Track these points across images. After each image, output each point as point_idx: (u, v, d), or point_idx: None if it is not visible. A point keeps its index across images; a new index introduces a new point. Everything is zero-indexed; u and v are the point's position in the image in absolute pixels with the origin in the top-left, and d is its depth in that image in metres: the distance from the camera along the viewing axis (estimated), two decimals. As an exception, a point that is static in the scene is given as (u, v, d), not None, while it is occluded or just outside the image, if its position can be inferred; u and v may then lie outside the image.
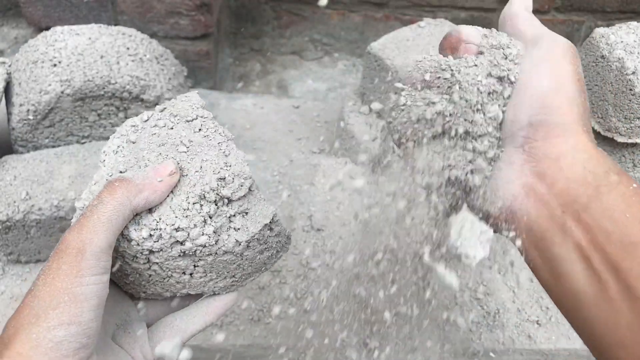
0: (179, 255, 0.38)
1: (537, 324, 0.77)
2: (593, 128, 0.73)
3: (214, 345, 0.71)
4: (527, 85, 0.37)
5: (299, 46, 1.30)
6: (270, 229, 0.41)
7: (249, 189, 0.39)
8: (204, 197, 0.38)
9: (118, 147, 0.41)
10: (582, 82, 0.38)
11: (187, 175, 0.38)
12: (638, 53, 0.68)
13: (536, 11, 1.22)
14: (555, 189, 0.35)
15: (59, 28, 0.77)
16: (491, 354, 0.76)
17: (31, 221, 0.70)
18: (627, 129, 0.70)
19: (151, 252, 0.38)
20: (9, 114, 0.77)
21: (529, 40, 0.40)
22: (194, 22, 1.02)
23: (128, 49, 0.76)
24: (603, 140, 0.74)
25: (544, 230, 0.36)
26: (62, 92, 0.71)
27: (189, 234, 0.37)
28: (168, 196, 0.38)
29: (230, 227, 0.39)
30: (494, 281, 0.81)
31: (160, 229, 0.37)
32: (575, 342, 0.75)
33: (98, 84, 0.72)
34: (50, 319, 0.33)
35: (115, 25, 0.81)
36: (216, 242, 0.38)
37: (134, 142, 0.41)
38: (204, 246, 0.38)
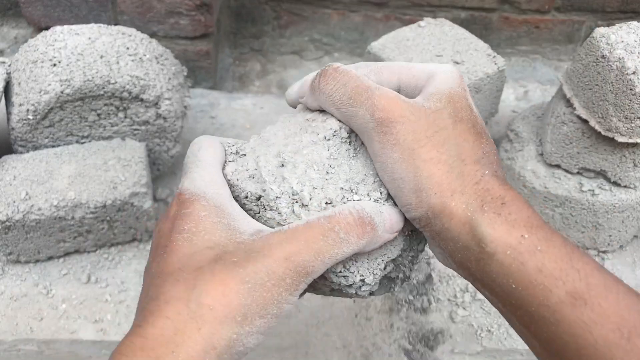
0: (335, 290, 0.39)
1: (538, 324, 0.77)
2: (594, 128, 0.73)
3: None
4: (395, 191, 0.37)
5: (299, 46, 1.30)
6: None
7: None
8: (392, 262, 0.39)
9: (330, 155, 0.39)
10: (410, 142, 0.35)
11: None
12: (638, 53, 0.68)
13: (536, 11, 1.22)
14: (457, 261, 0.36)
15: (58, 28, 0.77)
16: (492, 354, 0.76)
17: (31, 221, 0.70)
18: (628, 128, 0.70)
19: (332, 290, 0.39)
20: (8, 113, 0.77)
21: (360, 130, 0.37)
22: (194, 22, 1.01)
23: (128, 48, 0.76)
24: (603, 140, 0.74)
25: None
26: (61, 92, 0.71)
27: (361, 287, 0.38)
28: None
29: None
30: (494, 281, 0.81)
31: (351, 273, 0.37)
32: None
33: (98, 83, 0.72)
34: (254, 326, 0.32)
35: (115, 25, 0.81)
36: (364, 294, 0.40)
37: (335, 158, 0.39)
38: (357, 295, 0.39)
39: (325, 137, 0.39)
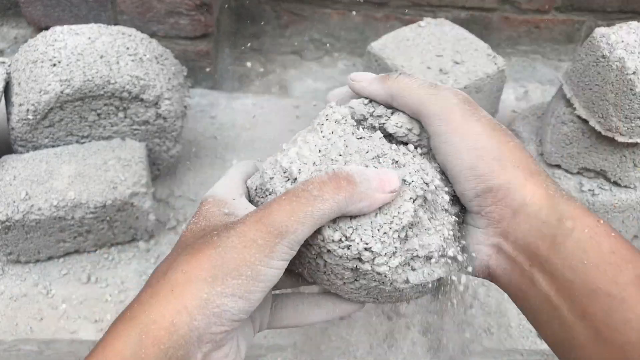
0: (351, 269, 0.37)
1: (538, 324, 0.77)
2: (594, 128, 0.73)
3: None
4: (453, 162, 0.38)
5: (299, 46, 1.30)
6: (439, 283, 0.40)
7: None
8: (407, 229, 0.37)
9: (332, 132, 0.39)
10: (494, 124, 0.39)
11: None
12: (639, 53, 0.68)
13: (536, 11, 1.22)
14: (518, 245, 0.37)
15: (58, 28, 0.77)
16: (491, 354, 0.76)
17: (31, 221, 0.70)
18: (628, 128, 0.70)
19: (329, 252, 0.37)
20: (8, 113, 0.77)
21: (421, 114, 0.39)
22: (194, 22, 1.01)
23: (128, 48, 0.76)
24: (603, 140, 0.74)
25: (519, 284, 0.37)
26: (61, 92, 0.71)
27: (374, 259, 0.36)
28: None
29: (409, 265, 0.37)
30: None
31: (352, 241, 0.35)
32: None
33: (98, 83, 0.72)
34: (227, 286, 0.33)
35: (115, 25, 0.80)
36: (390, 274, 0.37)
37: (340, 136, 0.39)
38: (378, 274, 0.37)
39: (319, 123, 0.40)
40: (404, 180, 0.38)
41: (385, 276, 0.37)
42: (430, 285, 0.40)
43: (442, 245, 0.38)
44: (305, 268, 0.41)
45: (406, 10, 1.23)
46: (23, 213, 0.69)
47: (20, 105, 0.73)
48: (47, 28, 0.79)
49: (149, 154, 0.82)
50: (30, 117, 0.73)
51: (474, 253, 0.39)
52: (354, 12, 1.22)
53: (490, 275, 0.40)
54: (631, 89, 0.67)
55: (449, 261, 0.39)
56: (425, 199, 0.38)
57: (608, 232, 0.35)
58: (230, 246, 0.33)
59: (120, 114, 0.77)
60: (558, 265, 0.35)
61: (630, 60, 0.67)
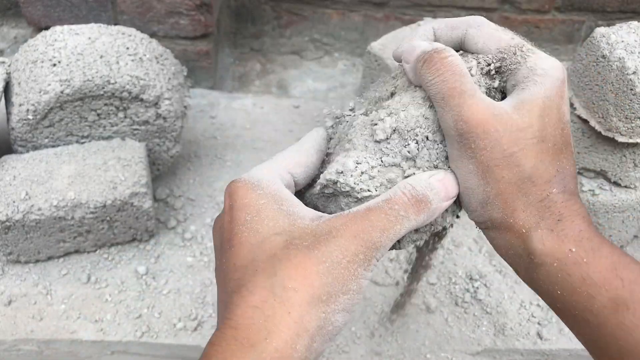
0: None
1: (538, 324, 0.77)
2: (594, 128, 0.73)
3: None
4: (463, 197, 0.38)
5: (299, 46, 1.30)
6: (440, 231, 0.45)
7: None
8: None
9: (386, 138, 0.39)
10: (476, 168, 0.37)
11: None
12: (639, 53, 0.68)
13: (536, 11, 1.22)
14: (511, 264, 0.39)
15: (58, 28, 0.77)
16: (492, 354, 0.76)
17: (31, 221, 0.70)
18: (628, 128, 0.70)
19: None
20: (8, 113, 0.77)
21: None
22: (194, 22, 1.01)
23: (128, 48, 0.76)
24: (603, 140, 0.74)
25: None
26: (61, 92, 0.71)
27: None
28: None
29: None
30: (494, 282, 0.81)
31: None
32: (576, 343, 0.75)
33: (98, 83, 0.72)
34: (339, 303, 0.33)
35: (115, 25, 0.80)
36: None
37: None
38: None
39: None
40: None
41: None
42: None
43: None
44: None
45: (406, 11, 1.23)
46: (23, 213, 0.69)
47: (20, 105, 0.73)
48: (47, 28, 0.79)
49: (149, 154, 0.82)
50: (30, 117, 0.73)
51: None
52: (354, 13, 1.22)
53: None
54: (631, 89, 0.67)
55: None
56: None
57: (580, 260, 0.35)
58: (336, 262, 0.33)
59: (120, 114, 0.77)
60: (539, 290, 0.37)
61: (630, 60, 0.67)
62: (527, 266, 0.37)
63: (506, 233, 0.37)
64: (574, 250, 0.35)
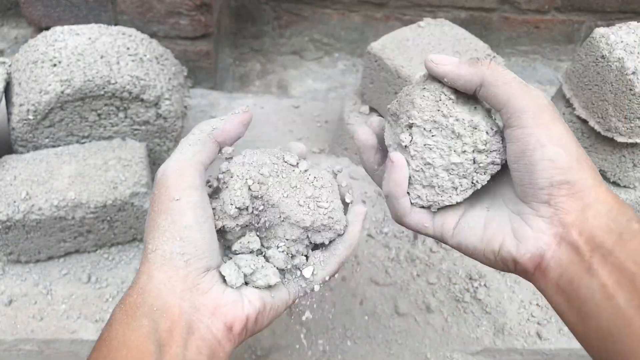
0: None
1: (537, 324, 0.77)
2: (593, 128, 0.73)
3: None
4: (533, 152, 0.40)
5: (299, 46, 1.30)
6: None
7: None
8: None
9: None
10: (572, 134, 0.42)
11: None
12: (638, 53, 0.68)
13: (536, 11, 1.22)
14: (583, 237, 0.39)
15: (58, 28, 0.77)
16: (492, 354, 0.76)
17: (31, 221, 0.70)
18: (627, 128, 0.70)
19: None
20: (9, 114, 0.77)
21: (509, 106, 0.41)
22: (194, 22, 1.02)
23: (128, 48, 0.76)
24: (603, 140, 0.74)
25: (573, 274, 0.39)
26: (62, 92, 0.71)
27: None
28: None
29: None
30: (494, 281, 0.81)
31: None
32: (575, 342, 0.75)
33: (98, 83, 0.72)
34: (159, 237, 0.43)
35: (115, 25, 0.81)
36: None
37: None
38: None
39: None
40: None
41: None
42: None
43: None
44: None
45: (406, 11, 1.23)
46: (23, 213, 0.69)
47: (20, 105, 0.73)
48: (47, 28, 0.79)
49: (149, 154, 0.82)
50: (30, 117, 0.73)
51: (531, 241, 0.41)
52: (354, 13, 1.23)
53: (537, 267, 0.41)
54: (630, 89, 0.67)
55: None
56: None
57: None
58: (154, 210, 0.47)
59: (121, 114, 0.77)
60: (622, 258, 0.37)
61: (630, 61, 0.67)
62: (622, 231, 0.38)
63: (606, 193, 0.40)
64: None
